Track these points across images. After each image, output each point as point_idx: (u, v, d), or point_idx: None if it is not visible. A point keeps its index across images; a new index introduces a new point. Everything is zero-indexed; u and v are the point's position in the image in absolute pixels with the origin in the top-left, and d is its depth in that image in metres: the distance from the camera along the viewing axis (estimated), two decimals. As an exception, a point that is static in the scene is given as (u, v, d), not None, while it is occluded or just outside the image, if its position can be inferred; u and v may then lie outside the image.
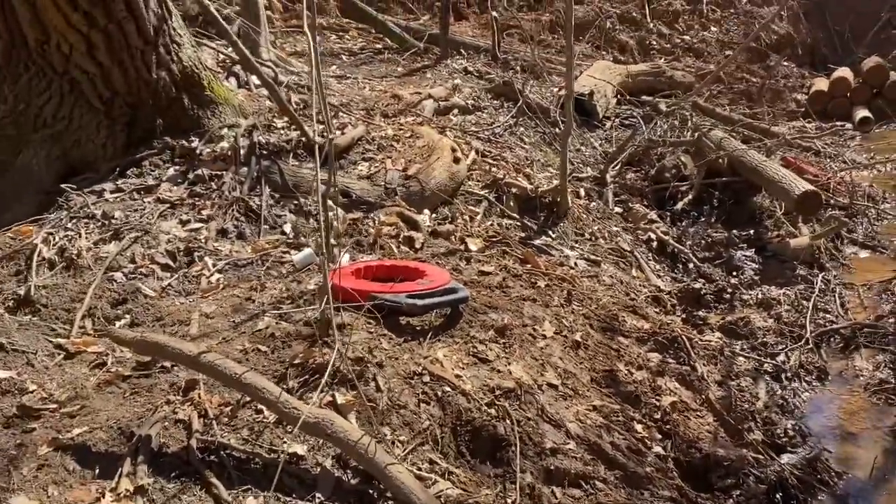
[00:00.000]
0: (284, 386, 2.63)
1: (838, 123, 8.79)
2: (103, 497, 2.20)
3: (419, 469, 2.47)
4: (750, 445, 3.29)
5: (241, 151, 4.40)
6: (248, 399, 2.55)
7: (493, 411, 2.78)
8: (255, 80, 5.42)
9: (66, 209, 3.96)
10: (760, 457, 3.22)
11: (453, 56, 8.05)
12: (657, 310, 4.44)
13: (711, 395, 3.56)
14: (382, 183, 4.49)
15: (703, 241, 5.58)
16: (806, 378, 4.16)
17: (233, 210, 4.08)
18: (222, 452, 2.38)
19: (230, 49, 5.22)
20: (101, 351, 3.02)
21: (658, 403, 3.29)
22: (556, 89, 7.34)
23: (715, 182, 6.18)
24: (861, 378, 4.16)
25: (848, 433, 3.77)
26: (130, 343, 2.71)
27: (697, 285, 4.91)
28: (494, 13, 8.76)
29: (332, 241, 3.31)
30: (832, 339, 4.53)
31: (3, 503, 2.19)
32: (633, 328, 3.92)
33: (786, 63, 10.26)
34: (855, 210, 6.18)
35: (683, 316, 4.55)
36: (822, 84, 9.54)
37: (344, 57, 7.92)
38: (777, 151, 6.74)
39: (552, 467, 2.70)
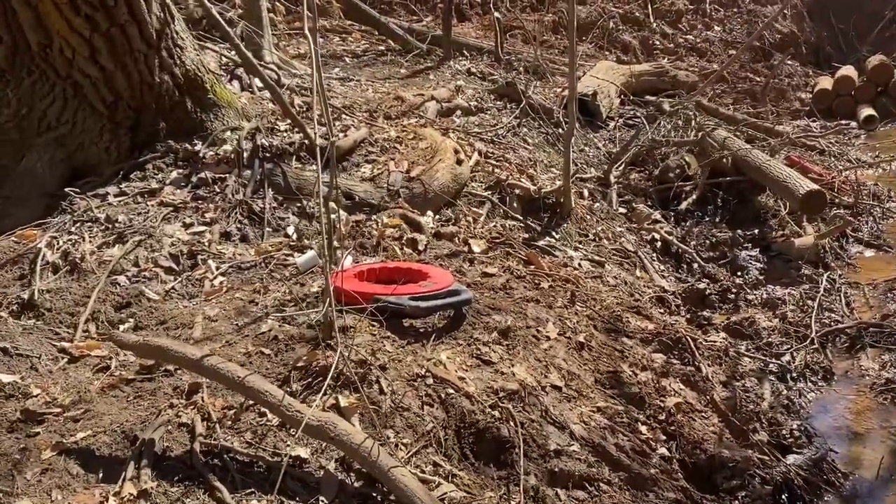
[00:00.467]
0: (288, 389, 2.63)
1: (843, 122, 8.76)
2: (107, 501, 2.20)
3: (423, 472, 2.46)
4: (755, 446, 3.27)
5: (244, 154, 4.40)
6: (251, 402, 2.54)
7: (496, 413, 2.77)
8: (257, 82, 5.42)
9: (70, 213, 3.97)
10: (766, 458, 3.21)
11: (456, 57, 8.05)
12: (661, 310, 4.43)
13: (716, 395, 3.55)
14: (385, 185, 4.49)
15: (707, 241, 5.57)
16: (811, 378, 4.14)
17: (236, 213, 4.08)
18: (225, 456, 2.38)
19: (233, 52, 5.22)
20: (105, 355, 3.03)
21: (663, 404, 3.28)
22: (559, 90, 7.34)
23: (719, 182, 6.16)
24: (867, 378, 4.15)
25: (854, 433, 3.75)
26: (133, 347, 2.71)
27: (702, 285, 4.89)
28: (497, 14, 8.76)
29: (335, 243, 3.31)
30: (838, 339, 4.51)
31: (6, 508, 2.20)
32: (638, 329, 3.91)
33: (790, 62, 10.22)
34: (860, 209, 6.16)
35: (688, 316, 4.55)
36: (826, 83, 9.51)
37: (347, 59, 7.92)
38: (781, 150, 6.72)
39: (556, 469, 2.69)
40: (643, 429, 3.10)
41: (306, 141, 4.50)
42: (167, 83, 4.41)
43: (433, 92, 6.39)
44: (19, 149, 4.34)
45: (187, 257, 3.75)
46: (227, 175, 4.31)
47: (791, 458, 3.31)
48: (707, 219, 5.91)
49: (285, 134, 4.70)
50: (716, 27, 10.78)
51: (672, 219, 5.89)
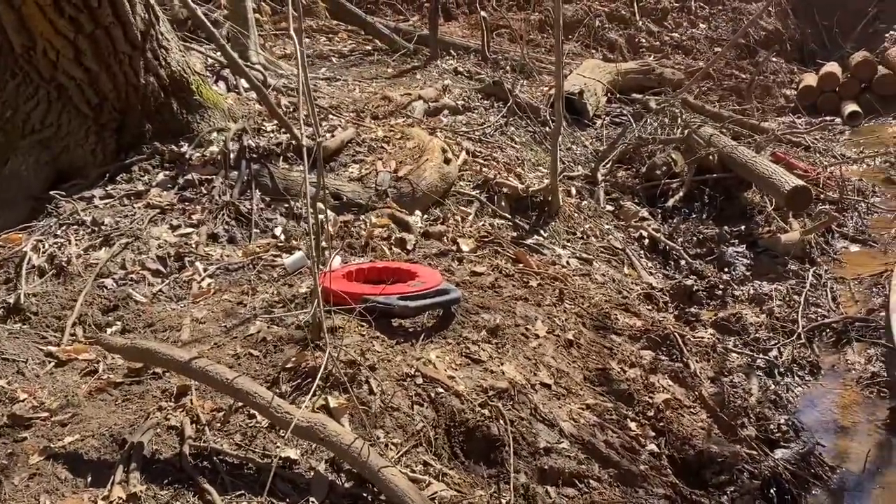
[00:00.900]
0: (277, 390, 2.63)
1: (827, 118, 8.84)
2: (96, 505, 2.19)
3: (413, 471, 2.46)
4: (743, 441, 3.29)
5: (231, 155, 4.39)
6: (240, 404, 2.54)
7: (486, 412, 2.78)
8: (244, 83, 5.41)
9: (56, 216, 3.95)
10: (754, 452, 3.23)
11: (443, 57, 8.05)
12: (649, 307, 4.45)
13: (704, 391, 3.57)
14: (373, 185, 4.49)
15: (694, 238, 5.60)
16: (798, 373, 4.17)
17: (223, 214, 4.07)
18: (215, 458, 2.37)
19: (219, 53, 5.20)
20: (92, 358, 3.01)
21: (651, 401, 3.30)
22: (546, 88, 7.36)
23: (706, 179, 6.20)
24: (853, 372, 4.18)
25: (841, 427, 3.79)
26: (121, 350, 2.70)
27: (689, 282, 4.92)
28: (483, 13, 8.77)
29: (323, 243, 3.30)
30: (824, 334, 4.55)
31: (-5, 513, 2.18)
32: (626, 326, 3.93)
33: (774, 59, 10.29)
34: (845, 204, 6.21)
35: (676, 313, 4.57)
36: (810, 79, 9.58)
37: (333, 59, 7.91)
38: (767, 147, 6.76)
39: (546, 467, 2.70)
40: (632, 425, 3.11)
41: (293, 141, 4.50)
42: (152, 85, 4.40)
43: (420, 91, 6.39)
44: (4, 151, 4.32)
45: (174, 259, 3.73)
46: (214, 176, 4.30)
47: (779, 453, 3.32)
48: (694, 215, 5.94)
49: (272, 135, 4.69)
50: (701, 25, 10.83)
51: (659, 216, 5.92)
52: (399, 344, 3.05)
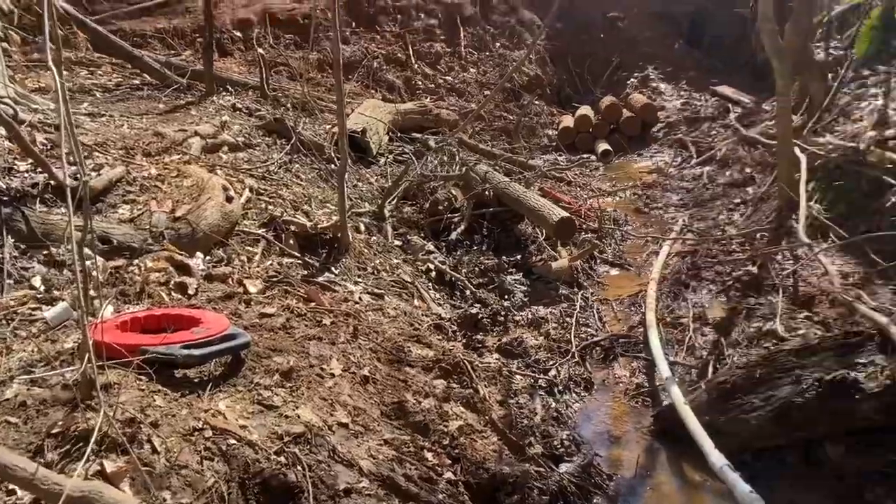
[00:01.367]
0: (42, 460, 2.33)
1: (585, 156, 9.75)
2: None
3: (206, 531, 2.30)
4: (532, 459, 3.47)
5: (-24, 198, 3.88)
6: (-4, 481, 2.22)
7: (282, 459, 2.68)
8: (-11, 117, 4.82)
9: None
10: (542, 469, 3.41)
11: (220, 92, 7.79)
12: (440, 337, 4.58)
13: (494, 414, 3.72)
14: (147, 226, 4.20)
15: (476, 269, 5.87)
16: (575, 389, 4.50)
17: (-33, 265, 3.58)
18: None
19: (-43, 83, 4.61)
20: None
21: (446, 429, 3.37)
22: (328, 126, 7.38)
23: (484, 212, 6.55)
24: (621, 385, 4.59)
25: (614, 437, 4.13)
26: None
27: (474, 310, 5.14)
28: (261, 50, 8.63)
29: (92, 292, 3.01)
30: (594, 351, 4.96)
31: None
32: (419, 357, 4.00)
33: (537, 102, 11.22)
34: (604, 233, 6.86)
35: (464, 341, 4.74)
36: (568, 121, 10.54)
37: (97, 93, 7.33)
38: (535, 182, 7.31)
39: (347, 508, 2.65)
40: (429, 455, 3.16)
41: (52, 181, 4.08)
42: None
43: (196, 127, 6.11)
44: None
45: None
46: (-45, 222, 3.77)
47: (563, 467, 3.55)
48: (475, 247, 6.24)
49: (26, 174, 4.23)
50: (471, 69, 11.52)
51: (444, 249, 6.14)
52: (184, 396, 2.85)
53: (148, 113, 6.76)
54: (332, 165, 6.42)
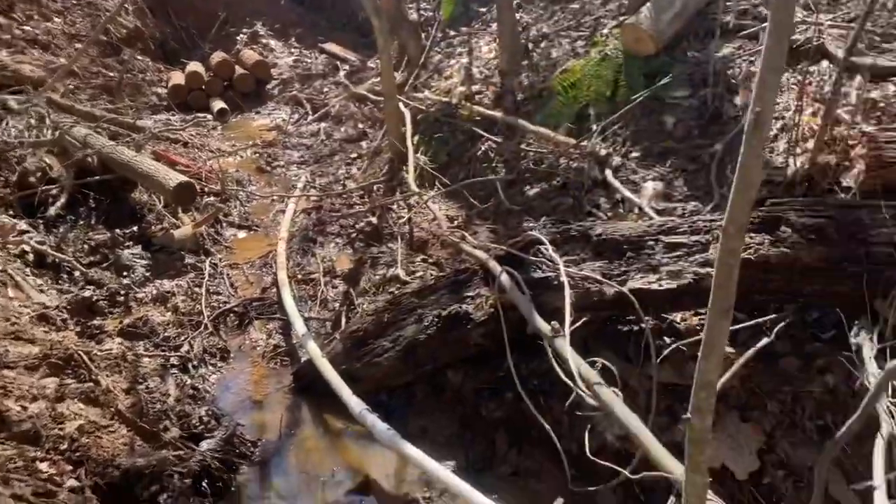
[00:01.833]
0: None
1: (200, 115, 9.28)
2: None
3: None
4: (169, 445, 3.25)
5: None
6: None
7: None
8: None
9: None
10: (181, 452, 3.22)
11: None
12: (46, 329, 4.00)
13: (121, 405, 3.39)
14: None
15: (86, 246, 5.24)
16: (211, 361, 4.33)
17: None
18: None
19: None
20: None
21: (63, 432, 2.98)
22: None
23: (88, 182, 5.84)
24: (258, 348, 4.54)
25: (256, 402, 4.07)
26: None
27: (87, 293, 4.60)
28: None
29: None
30: (228, 319, 4.81)
31: None
32: (20, 356, 3.45)
33: (140, 57, 10.29)
34: (228, 195, 6.63)
35: (78, 329, 4.22)
36: (178, 78, 9.90)
37: None
38: (147, 145, 6.74)
39: (-63, 554, 2.19)
40: (44, 466, 2.76)
41: None
42: None
43: None
44: None
45: None
46: None
47: (205, 445, 3.38)
48: (82, 222, 5.56)
49: None
50: (56, 19, 10.07)
51: (42, 227, 5.35)
52: None
53: None
54: None
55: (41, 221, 5.39)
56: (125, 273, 5.03)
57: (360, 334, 3.97)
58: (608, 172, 4.31)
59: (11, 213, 5.34)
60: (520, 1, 7.02)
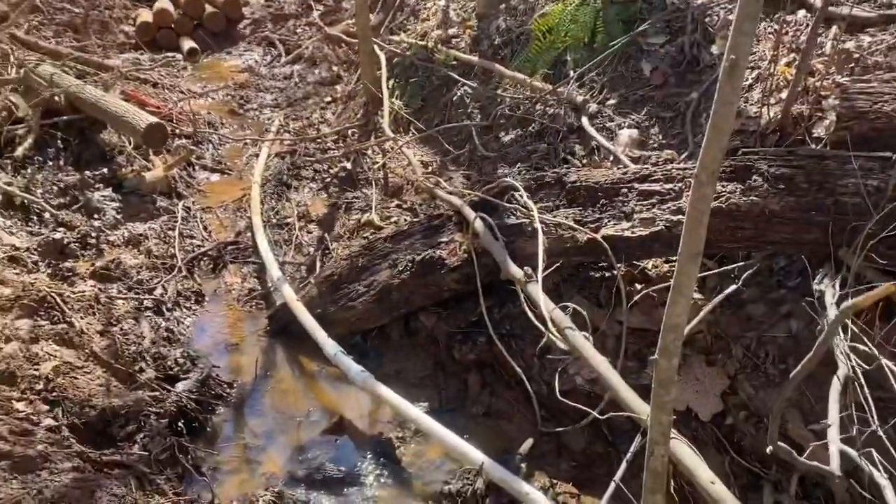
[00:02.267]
0: None
1: (169, 55, 9.03)
2: None
3: None
4: (145, 385, 3.28)
5: None
6: None
7: None
8: None
9: None
10: (157, 393, 3.26)
11: None
12: (17, 271, 3.97)
13: (95, 346, 3.40)
14: None
15: (55, 188, 5.14)
16: (186, 305, 4.33)
17: None
18: None
19: None
20: None
21: (38, 373, 2.99)
22: None
23: (56, 122, 5.71)
24: (233, 292, 4.54)
25: (232, 345, 4.11)
26: None
27: (58, 235, 4.54)
28: None
29: None
30: (202, 262, 4.79)
31: None
32: (-8, 298, 3.43)
33: (106, -8, 9.95)
34: (200, 137, 6.51)
35: (49, 271, 4.18)
36: (146, 15, 9.59)
37: None
38: (115, 85, 6.58)
39: (-85, 490, 2.21)
40: (20, 406, 2.78)
41: None
42: None
43: None
44: None
45: None
46: None
47: (181, 386, 3.42)
48: (50, 163, 5.44)
49: None
50: (17, -51, 9.68)
51: (10, 168, 5.24)
52: None
53: None
54: None
55: (8, 162, 5.28)
56: (96, 215, 4.97)
57: (335, 278, 4.00)
58: (584, 119, 4.31)
59: (-23, 153, 5.22)
60: (499, -58, 6.87)
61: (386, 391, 3.21)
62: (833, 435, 2.30)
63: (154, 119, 5.47)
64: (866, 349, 2.46)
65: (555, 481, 3.10)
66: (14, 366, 2.95)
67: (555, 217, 3.38)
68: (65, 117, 5.74)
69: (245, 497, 2.97)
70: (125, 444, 2.95)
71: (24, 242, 4.41)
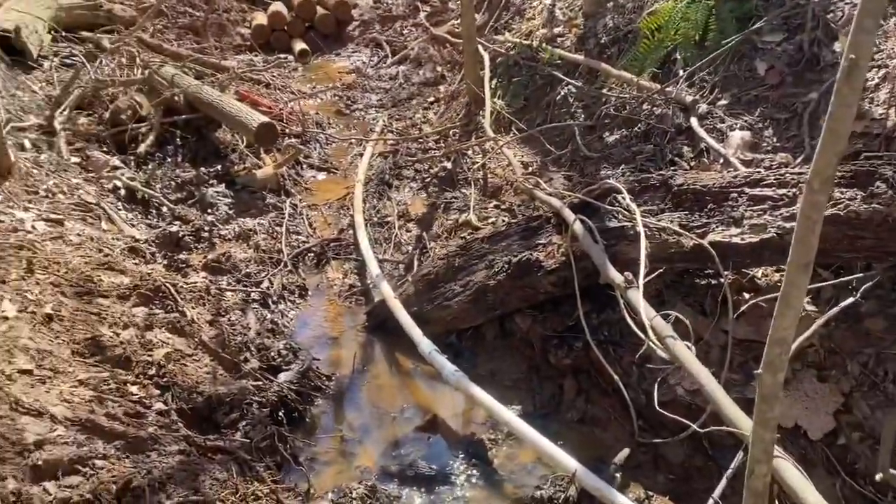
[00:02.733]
0: None
1: (281, 56, 9.37)
2: None
3: None
4: (249, 375, 3.41)
5: None
6: None
7: (-53, 423, 2.30)
8: None
9: None
10: (260, 383, 3.37)
11: None
12: (136, 261, 4.22)
13: (204, 336, 3.56)
14: None
15: (173, 183, 5.44)
16: (290, 298, 4.48)
17: None
18: None
19: None
20: None
21: (151, 359, 3.16)
22: (-32, 25, 6.17)
23: (175, 121, 6.04)
24: (334, 287, 4.66)
25: (331, 338, 4.21)
26: None
27: (174, 228, 4.80)
28: None
29: None
30: (307, 258, 4.94)
31: None
32: (113, 286, 3.66)
33: (225, -3, 10.43)
34: (308, 137, 6.73)
35: (165, 262, 4.42)
36: (261, 18, 9.99)
37: None
38: (231, 85, 6.89)
39: (40, 462, 2.39)
40: (134, 389, 2.95)
41: None
42: None
43: None
44: None
45: None
46: None
47: (282, 377, 3.53)
48: (169, 160, 5.76)
49: None
50: (146, -42, 10.30)
51: (133, 163, 5.59)
52: None
53: None
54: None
55: (132, 158, 5.62)
56: (209, 210, 5.22)
57: (432, 277, 4.02)
58: (693, 120, 4.15)
59: (105, 149, 5.58)
60: (608, -62, 6.73)
61: (479, 392, 3.21)
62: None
63: (265, 119, 5.69)
64: None
65: (650, 494, 3.00)
66: (130, 351, 3.13)
67: (659, 221, 3.27)
68: (183, 116, 6.05)
69: (339, 489, 3.03)
70: (228, 430, 3.07)
71: (144, 234, 4.68)
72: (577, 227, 3.44)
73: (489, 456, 3.30)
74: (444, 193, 5.26)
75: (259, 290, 4.38)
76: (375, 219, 5.25)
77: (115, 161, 5.42)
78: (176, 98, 6.03)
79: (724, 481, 2.58)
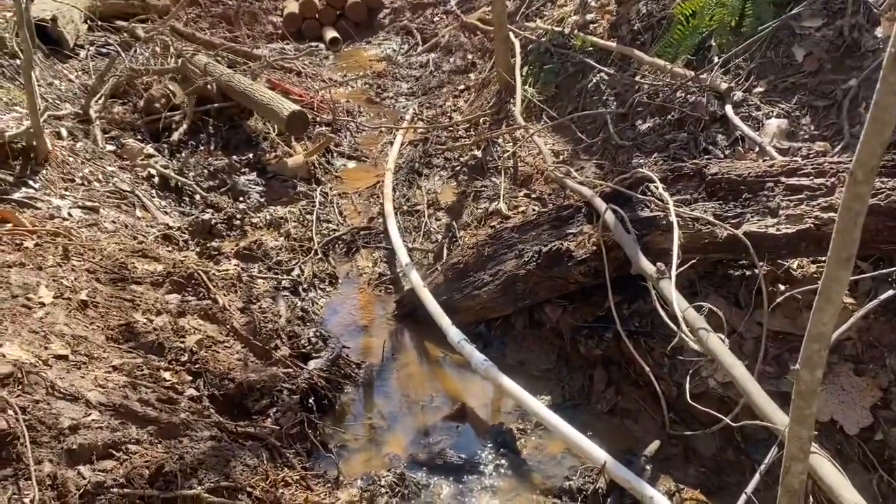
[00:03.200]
0: None
1: (313, 44, 9.41)
2: None
3: None
4: (279, 362, 3.43)
5: None
6: None
7: (-13, 407, 2.35)
8: None
9: None
10: (290, 370, 3.39)
11: None
12: (169, 248, 4.27)
13: (236, 323, 3.59)
14: None
15: (205, 171, 5.50)
16: (320, 286, 4.50)
17: None
18: None
19: None
20: None
21: (184, 345, 3.19)
22: (9, 14, 6.27)
23: (208, 109, 6.09)
24: (364, 276, 4.67)
25: (361, 326, 4.22)
26: None
27: (207, 216, 4.85)
28: None
29: None
30: (337, 246, 4.96)
31: None
32: (147, 273, 3.70)
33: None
34: (338, 125, 6.75)
35: (198, 250, 4.47)
36: (293, 6, 10.02)
37: None
38: (262, 74, 6.92)
39: (75, 446, 2.42)
40: (167, 375, 2.98)
41: None
42: None
43: None
44: None
45: None
46: None
47: (312, 364, 3.55)
48: (202, 148, 5.83)
49: None
50: (180, -53, 10.37)
51: (166, 151, 5.65)
52: None
53: None
54: (17, 60, 5.51)
55: (165, 146, 5.69)
56: (241, 198, 5.26)
57: (461, 266, 4.01)
58: (728, 108, 4.07)
59: (139, 137, 5.66)
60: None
61: (508, 382, 3.19)
62: None
63: (296, 107, 5.71)
64: None
65: (681, 486, 2.97)
66: (163, 337, 3.17)
67: (692, 211, 3.22)
68: (216, 104, 6.11)
69: (368, 476, 3.05)
70: (259, 417, 3.10)
71: (177, 222, 4.74)
72: (609, 216, 3.40)
73: (518, 446, 3.29)
74: (473, 182, 5.24)
75: (290, 277, 4.41)
76: (405, 207, 5.24)
77: (149, 149, 5.48)
78: (209, 87, 6.08)
79: (757, 476, 2.54)
